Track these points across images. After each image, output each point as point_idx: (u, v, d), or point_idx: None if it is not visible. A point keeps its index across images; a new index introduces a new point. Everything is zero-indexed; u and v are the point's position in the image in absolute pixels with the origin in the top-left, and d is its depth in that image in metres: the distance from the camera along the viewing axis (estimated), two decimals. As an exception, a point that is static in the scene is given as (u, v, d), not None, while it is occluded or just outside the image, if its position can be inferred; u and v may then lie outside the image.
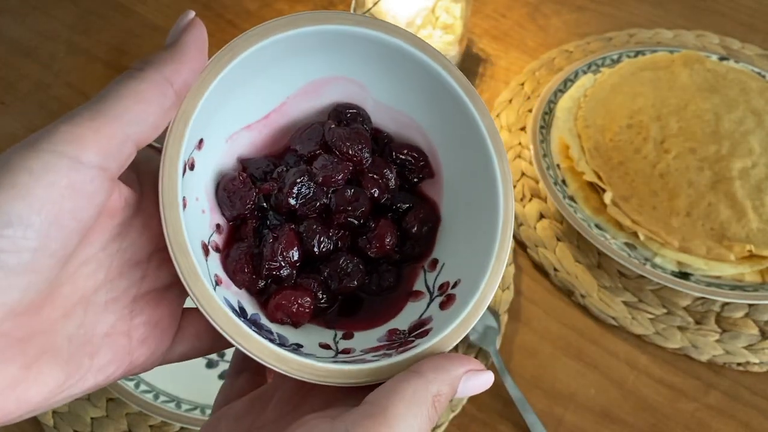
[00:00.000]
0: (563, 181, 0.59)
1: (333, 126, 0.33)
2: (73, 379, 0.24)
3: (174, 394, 0.47)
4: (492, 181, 0.29)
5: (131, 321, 0.26)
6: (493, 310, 0.53)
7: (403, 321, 0.30)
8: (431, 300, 0.30)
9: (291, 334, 0.29)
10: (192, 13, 0.28)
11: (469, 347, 0.52)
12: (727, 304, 0.55)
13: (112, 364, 0.25)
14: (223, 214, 0.32)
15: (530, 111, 0.67)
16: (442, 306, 0.29)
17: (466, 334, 0.28)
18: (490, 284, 0.28)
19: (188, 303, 0.28)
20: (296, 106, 0.34)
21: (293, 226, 0.31)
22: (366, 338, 0.29)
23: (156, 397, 0.46)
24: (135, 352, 0.26)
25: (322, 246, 0.31)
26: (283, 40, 0.30)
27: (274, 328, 0.29)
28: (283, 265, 0.30)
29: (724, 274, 0.53)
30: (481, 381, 0.27)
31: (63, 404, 0.26)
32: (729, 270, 0.53)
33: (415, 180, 0.33)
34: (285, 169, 0.32)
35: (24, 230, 0.21)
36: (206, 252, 0.29)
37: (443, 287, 0.30)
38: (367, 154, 0.32)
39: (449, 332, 0.27)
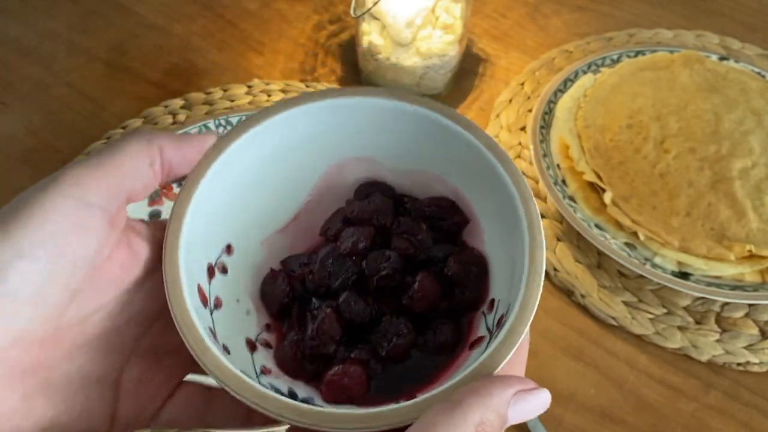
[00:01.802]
0: (563, 181, 0.59)
1: (351, 201, 0.34)
2: (65, 418, 0.25)
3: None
4: (517, 221, 0.28)
5: (125, 373, 0.27)
6: (493, 310, 0.53)
7: (463, 372, 0.27)
8: (491, 338, 0.28)
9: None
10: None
11: (469, 347, 0.52)
12: (727, 304, 0.55)
13: (96, 413, 0.26)
14: (269, 313, 0.32)
15: (530, 111, 0.67)
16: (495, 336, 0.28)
17: (512, 350, 0.26)
18: (528, 294, 0.26)
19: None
20: (320, 197, 0.35)
21: (332, 303, 0.31)
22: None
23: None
24: (120, 404, 0.27)
25: (362, 314, 0.30)
26: (281, 121, 0.31)
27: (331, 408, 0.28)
28: (325, 342, 0.30)
29: (724, 274, 0.53)
30: (536, 403, 0.25)
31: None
32: (729, 270, 0.53)
33: (452, 229, 0.32)
34: (316, 255, 0.32)
35: (34, 262, 0.22)
36: (252, 348, 0.30)
37: (500, 320, 0.28)
38: (387, 217, 0.32)
39: (492, 351, 0.25)
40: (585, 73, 0.67)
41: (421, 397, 0.24)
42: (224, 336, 0.28)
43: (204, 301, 0.28)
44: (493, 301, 0.30)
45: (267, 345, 0.31)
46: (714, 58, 0.68)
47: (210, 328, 0.27)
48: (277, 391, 0.27)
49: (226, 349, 0.28)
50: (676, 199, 0.56)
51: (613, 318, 0.54)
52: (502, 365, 0.25)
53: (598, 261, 0.57)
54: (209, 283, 0.30)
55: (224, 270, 0.31)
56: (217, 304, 0.29)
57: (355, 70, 0.71)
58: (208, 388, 0.29)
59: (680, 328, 0.54)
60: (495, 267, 0.31)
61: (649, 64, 0.66)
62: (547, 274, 0.57)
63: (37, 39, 0.74)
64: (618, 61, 0.68)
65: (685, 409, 0.50)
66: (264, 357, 0.30)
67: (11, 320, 0.22)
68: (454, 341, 0.30)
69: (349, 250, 0.32)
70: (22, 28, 0.75)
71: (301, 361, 0.30)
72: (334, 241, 0.33)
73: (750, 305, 0.55)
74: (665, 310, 0.54)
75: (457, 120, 0.30)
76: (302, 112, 0.32)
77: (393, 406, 0.24)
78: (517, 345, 0.26)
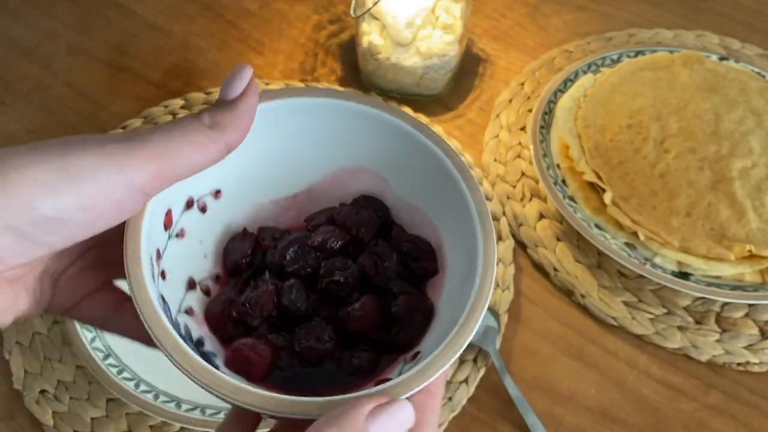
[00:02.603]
0: (563, 181, 0.59)
1: (345, 206, 0.34)
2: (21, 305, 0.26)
3: (174, 394, 0.47)
4: (469, 291, 0.28)
5: (67, 270, 0.28)
6: (493, 310, 0.53)
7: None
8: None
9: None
10: (250, 72, 0.28)
11: (468, 347, 0.51)
12: (727, 304, 0.55)
13: (37, 303, 0.27)
14: (224, 267, 0.33)
15: (530, 111, 0.67)
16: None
17: (406, 393, 0.25)
18: (444, 354, 0.26)
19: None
20: (323, 190, 0.35)
21: (278, 282, 0.31)
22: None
23: (156, 397, 0.46)
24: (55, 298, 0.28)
25: (298, 305, 0.31)
26: (309, 105, 0.32)
27: (225, 372, 0.28)
28: (254, 314, 0.30)
29: (724, 274, 0.53)
30: (397, 417, 0.24)
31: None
32: (729, 270, 0.53)
33: (419, 273, 0.32)
34: (290, 236, 0.33)
35: (67, 221, 0.23)
36: (191, 287, 0.31)
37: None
38: (368, 233, 0.33)
39: (387, 386, 0.25)
40: (585, 73, 0.67)
41: (291, 398, 0.24)
42: (170, 263, 0.29)
43: (168, 223, 0.29)
44: (417, 354, 0.29)
45: (206, 292, 0.32)
46: (714, 58, 0.68)
47: (159, 249, 0.28)
48: (187, 333, 0.28)
49: (162, 275, 0.28)
50: (676, 199, 0.56)
51: (613, 318, 0.54)
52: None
53: (598, 261, 0.57)
54: (182, 213, 0.31)
55: (203, 209, 0.32)
56: (180, 234, 0.30)
57: (355, 70, 0.71)
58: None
59: (680, 328, 0.54)
60: (438, 324, 0.31)
61: (649, 64, 0.66)
62: (547, 274, 0.57)
63: (37, 39, 0.74)
64: (618, 61, 0.68)
65: (685, 409, 0.50)
66: (196, 300, 0.31)
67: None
68: (366, 370, 0.30)
69: (317, 244, 0.32)
70: (22, 28, 0.75)
71: (226, 320, 0.30)
72: (310, 232, 0.33)
73: (750, 305, 0.55)
74: (665, 310, 0.54)
75: (467, 182, 0.31)
76: (342, 106, 0.32)
77: (261, 391, 0.25)
78: (411, 392, 0.25)
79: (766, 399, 0.51)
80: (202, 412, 0.46)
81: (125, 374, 0.47)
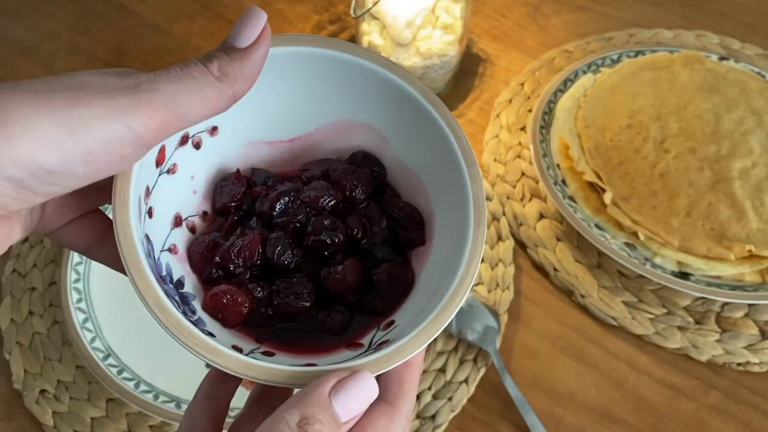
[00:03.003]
0: (563, 181, 0.59)
1: (341, 161, 0.33)
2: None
3: (174, 394, 0.47)
4: (453, 273, 0.28)
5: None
6: (493, 310, 0.53)
7: (326, 361, 0.28)
8: (364, 353, 0.28)
9: (213, 328, 0.28)
10: (264, 19, 0.27)
11: (468, 347, 0.52)
12: (727, 304, 0.55)
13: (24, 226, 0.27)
14: (212, 205, 0.32)
15: (530, 111, 0.67)
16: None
17: (379, 371, 0.26)
18: (419, 338, 0.26)
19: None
20: (321, 139, 0.34)
21: (265, 232, 0.31)
22: (282, 362, 0.27)
23: (156, 397, 0.46)
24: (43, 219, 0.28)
25: (282, 258, 0.31)
26: (316, 55, 0.31)
27: (201, 315, 0.29)
28: (237, 262, 0.30)
29: (724, 274, 0.53)
30: (358, 387, 0.24)
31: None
32: (729, 270, 0.53)
33: (405, 242, 0.32)
34: (283, 184, 0.33)
35: (69, 174, 0.23)
36: (177, 223, 0.31)
37: (382, 344, 0.28)
38: (361, 193, 0.33)
39: (364, 361, 0.26)
40: (585, 73, 0.67)
41: (259, 363, 0.25)
42: (158, 200, 0.29)
43: (160, 160, 0.29)
44: (392, 323, 0.30)
45: (192, 229, 0.32)
46: (714, 58, 0.68)
47: (148, 187, 0.28)
48: (168, 273, 0.28)
49: (149, 212, 0.28)
50: (676, 199, 0.56)
51: (613, 318, 0.54)
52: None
53: (598, 261, 0.57)
54: (175, 149, 0.30)
55: (197, 145, 0.32)
56: (171, 170, 0.30)
57: (355, 70, 0.71)
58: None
59: (680, 328, 0.54)
60: (416, 295, 0.31)
61: (649, 64, 0.66)
62: (547, 274, 0.57)
63: (37, 39, 0.74)
64: (618, 61, 0.68)
65: (685, 409, 0.50)
66: (180, 237, 0.31)
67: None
68: (338, 331, 0.30)
69: (308, 200, 0.32)
70: (22, 28, 0.75)
71: (208, 261, 0.30)
72: (304, 185, 0.33)
73: (750, 305, 0.55)
74: (665, 310, 0.54)
75: (470, 169, 0.30)
76: (353, 63, 0.31)
77: (234, 354, 0.25)
78: (383, 371, 0.26)
79: (766, 399, 0.51)
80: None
81: (125, 374, 0.47)
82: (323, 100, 0.33)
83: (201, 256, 0.31)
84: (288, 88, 0.32)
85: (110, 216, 0.28)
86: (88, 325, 0.50)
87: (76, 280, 0.51)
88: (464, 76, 0.71)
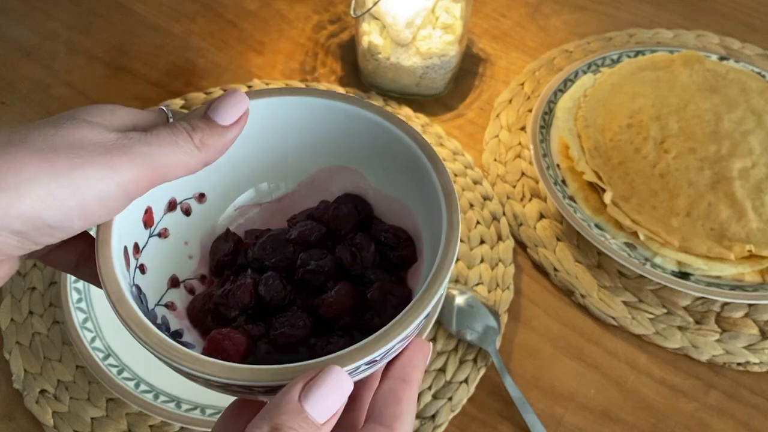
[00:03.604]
0: (563, 181, 0.59)
1: (324, 203, 0.35)
2: None
3: (174, 394, 0.47)
4: (435, 255, 0.28)
5: None
6: (493, 310, 0.53)
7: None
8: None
9: None
10: (246, 104, 0.29)
11: (468, 347, 0.52)
12: (727, 304, 0.55)
13: None
14: (209, 267, 0.34)
15: (530, 111, 0.67)
16: None
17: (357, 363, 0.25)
18: (398, 325, 0.26)
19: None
20: (306, 193, 0.36)
21: (257, 276, 0.32)
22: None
23: (156, 397, 0.46)
24: None
25: (273, 293, 0.31)
26: (291, 103, 0.33)
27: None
28: (232, 305, 0.31)
29: (724, 274, 0.53)
30: (328, 385, 0.23)
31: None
32: (729, 270, 0.53)
33: (397, 262, 0.33)
34: (270, 231, 0.34)
35: (68, 228, 0.25)
36: (174, 284, 0.32)
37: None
38: (346, 226, 0.33)
39: (348, 350, 0.25)
40: (585, 73, 0.67)
41: (237, 365, 0.25)
42: (151, 259, 0.30)
43: (148, 221, 0.31)
44: None
45: (191, 291, 0.33)
46: (714, 58, 0.68)
47: (137, 243, 0.30)
48: (164, 323, 0.29)
49: (141, 268, 0.29)
50: (676, 199, 0.56)
51: (613, 318, 0.54)
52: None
53: (598, 261, 0.57)
54: (164, 213, 0.32)
55: (187, 212, 0.33)
56: (162, 234, 0.32)
57: (355, 70, 0.71)
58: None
59: (680, 328, 0.54)
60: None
61: (649, 64, 0.66)
62: (547, 274, 0.57)
63: (37, 39, 0.74)
64: (618, 61, 0.68)
65: (685, 409, 0.50)
66: (179, 297, 0.32)
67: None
68: None
69: (294, 237, 0.33)
70: (22, 28, 0.75)
71: (206, 313, 0.31)
72: (290, 228, 0.34)
73: (750, 305, 0.55)
74: (665, 310, 0.54)
75: (434, 164, 0.31)
76: (307, 104, 0.33)
77: (206, 358, 0.25)
78: (355, 363, 0.25)
79: (766, 399, 0.51)
80: (202, 411, 0.46)
81: (125, 374, 0.47)
82: (301, 152, 0.34)
83: (198, 309, 0.31)
84: (264, 146, 0.34)
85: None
86: (88, 325, 0.49)
87: (76, 280, 0.52)
88: (464, 76, 0.71)
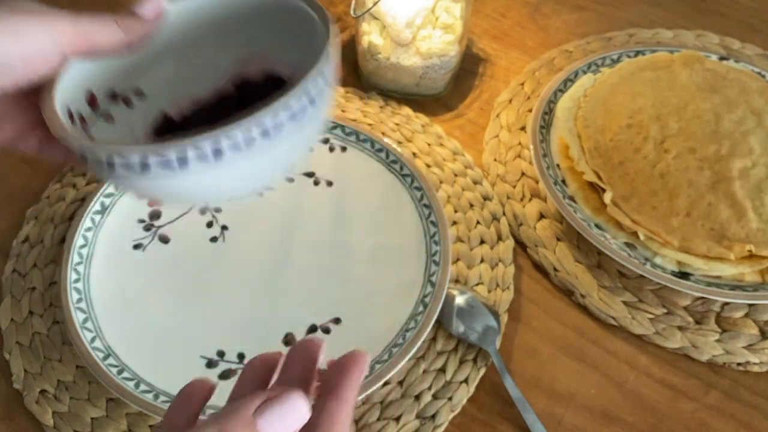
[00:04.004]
0: (563, 181, 0.59)
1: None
2: None
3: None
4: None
5: None
6: (493, 310, 0.53)
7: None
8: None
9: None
10: (161, 5, 0.37)
11: (468, 347, 0.52)
12: (727, 304, 0.55)
13: None
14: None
15: (530, 111, 0.67)
16: None
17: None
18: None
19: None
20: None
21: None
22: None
23: (156, 397, 0.46)
24: None
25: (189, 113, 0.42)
26: None
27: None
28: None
29: (724, 274, 0.53)
30: (286, 408, 0.23)
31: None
32: (729, 270, 0.53)
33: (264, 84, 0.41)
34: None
35: (11, 67, 0.32)
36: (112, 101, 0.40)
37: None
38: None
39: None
40: (585, 73, 0.67)
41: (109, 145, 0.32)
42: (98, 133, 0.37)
43: (93, 104, 0.37)
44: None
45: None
46: (714, 58, 0.68)
47: (81, 115, 0.37)
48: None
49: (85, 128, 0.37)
50: (676, 199, 0.56)
51: (613, 318, 0.54)
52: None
53: (598, 261, 0.57)
54: (109, 103, 0.39)
55: (127, 103, 0.40)
56: (107, 118, 0.39)
57: (355, 70, 0.71)
58: None
59: (680, 328, 0.54)
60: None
61: (649, 64, 0.66)
62: (547, 274, 0.57)
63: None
64: (618, 61, 0.68)
65: (685, 409, 0.50)
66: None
67: None
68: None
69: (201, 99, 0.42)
70: (22, 28, 0.75)
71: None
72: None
73: (750, 305, 0.55)
74: (665, 310, 0.54)
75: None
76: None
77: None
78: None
79: (766, 399, 0.51)
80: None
81: (125, 374, 0.47)
82: (219, 50, 0.41)
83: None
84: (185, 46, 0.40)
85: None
86: (88, 325, 0.50)
87: (76, 280, 0.52)
88: (464, 76, 0.71)
